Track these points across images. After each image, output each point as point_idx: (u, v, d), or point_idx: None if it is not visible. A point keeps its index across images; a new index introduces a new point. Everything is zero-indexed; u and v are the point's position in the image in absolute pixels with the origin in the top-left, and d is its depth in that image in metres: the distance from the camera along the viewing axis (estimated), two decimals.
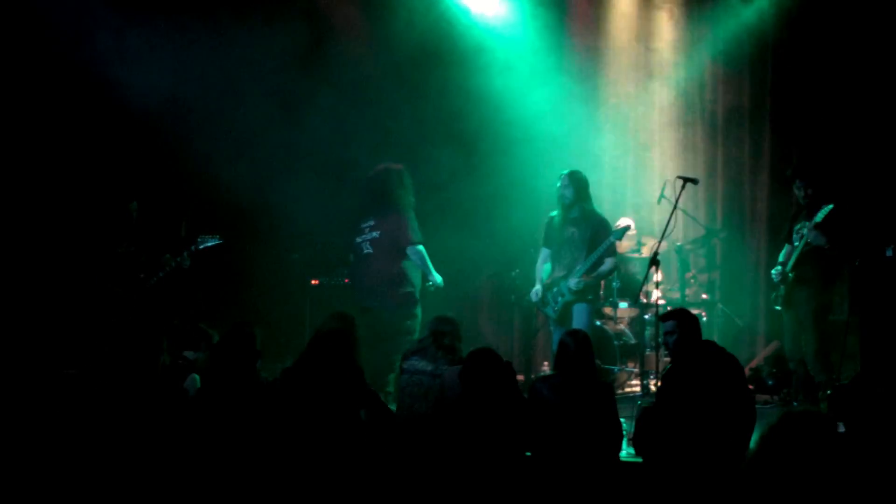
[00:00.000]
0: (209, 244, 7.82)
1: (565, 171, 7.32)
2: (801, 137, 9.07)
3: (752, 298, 9.28)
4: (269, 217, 9.06)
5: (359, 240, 7.63)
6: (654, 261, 6.54)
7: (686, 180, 6.80)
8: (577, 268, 7.16)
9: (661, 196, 8.21)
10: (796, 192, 7.31)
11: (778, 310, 7.45)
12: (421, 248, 7.48)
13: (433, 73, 9.37)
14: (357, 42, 9.45)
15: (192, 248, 7.76)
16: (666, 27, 9.59)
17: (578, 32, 9.78)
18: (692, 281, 8.68)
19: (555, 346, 6.57)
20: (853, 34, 8.65)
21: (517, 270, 8.77)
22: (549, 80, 9.43)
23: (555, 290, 7.27)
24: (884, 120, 8.50)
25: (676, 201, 7.04)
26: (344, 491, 4.60)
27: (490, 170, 9.49)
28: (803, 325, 7.14)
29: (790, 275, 7.19)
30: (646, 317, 8.44)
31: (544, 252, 7.48)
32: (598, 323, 8.13)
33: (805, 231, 7.06)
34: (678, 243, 8.63)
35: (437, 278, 7.54)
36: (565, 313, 7.21)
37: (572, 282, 7.13)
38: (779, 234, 9.07)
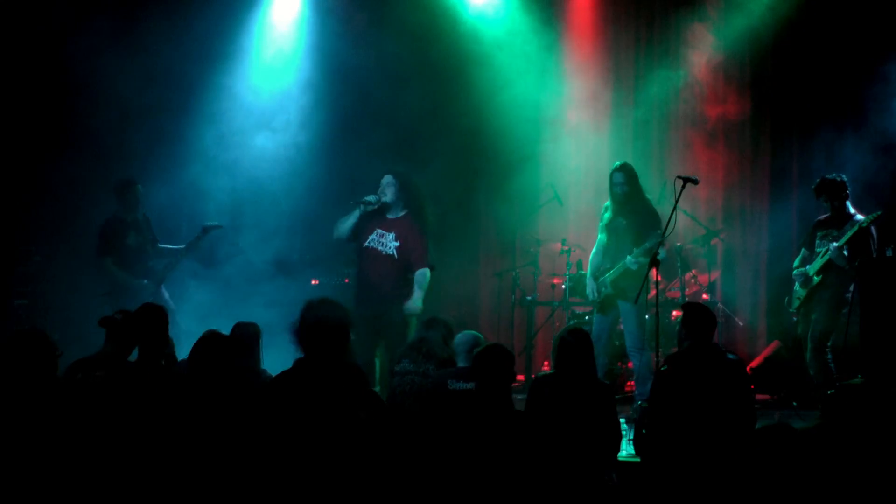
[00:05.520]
0: (212, 231, 7.89)
1: (617, 164, 7.40)
2: (801, 137, 9.07)
3: (752, 298, 9.28)
4: (272, 217, 9.05)
5: None
6: (653, 261, 6.53)
7: (686, 180, 6.77)
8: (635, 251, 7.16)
9: (661, 196, 8.21)
10: (823, 203, 7.37)
11: (792, 312, 7.53)
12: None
13: (433, 71, 9.36)
14: (359, 39, 9.44)
15: (196, 237, 7.84)
16: (666, 26, 9.58)
17: (577, 32, 9.77)
18: (692, 281, 8.67)
19: (594, 335, 6.82)
20: (853, 34, 8.66)
21: (517, 270, 8.75)
22: (548, 81, 9.43)
23: (599, 280, 7.41)
24: (883, 119, 8.50)
25: (676, 201, 7.03)
26: (339, 493, 4.57)
27: (488, 170, 9.49)
28: (816, 321, 7.24)
29: (815, 279, 7.28)
30: (645, 317, 8.41)
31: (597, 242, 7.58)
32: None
33: (833, 236, 7.16)
34: (678, 243, 8.62)
35: None
36: (605, 304, 7.37)
37: (629, 260, 7.15)
38: (778, 235, 9.10)
